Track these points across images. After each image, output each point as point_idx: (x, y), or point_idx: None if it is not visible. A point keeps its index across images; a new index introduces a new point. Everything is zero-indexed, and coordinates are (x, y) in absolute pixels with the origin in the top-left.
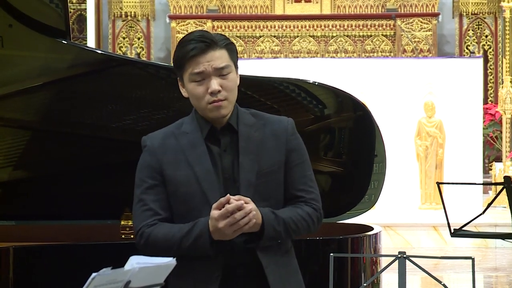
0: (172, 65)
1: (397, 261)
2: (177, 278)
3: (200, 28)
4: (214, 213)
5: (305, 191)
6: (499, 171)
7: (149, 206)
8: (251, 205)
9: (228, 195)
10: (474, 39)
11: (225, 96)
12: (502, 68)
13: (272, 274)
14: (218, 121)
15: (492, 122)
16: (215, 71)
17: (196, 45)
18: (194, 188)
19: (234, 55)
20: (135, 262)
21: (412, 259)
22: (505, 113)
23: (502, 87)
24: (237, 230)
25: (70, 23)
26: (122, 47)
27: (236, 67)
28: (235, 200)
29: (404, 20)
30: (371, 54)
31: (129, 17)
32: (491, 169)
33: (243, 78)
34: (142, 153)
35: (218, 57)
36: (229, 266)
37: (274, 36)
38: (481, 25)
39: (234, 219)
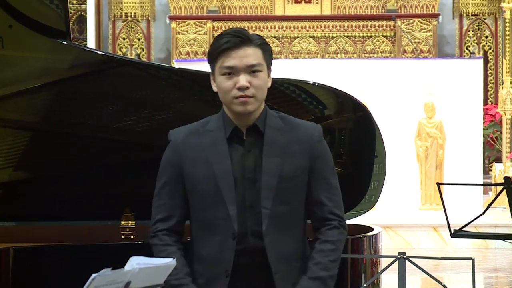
0: (207, 58)
1: (397, 261)
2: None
3: (200, 28)
4: None
5: (329, 199)
6: (499, 171)
7: (164, 201)
8: None
9: None
10: (474, 40)
11: (252, 93)
12: (502, 68)
13: (281, 281)
14: (244, 121)
15: (492, 122)
16: (245, 67)
17: (231, 39)
18: (210, 186)
19: (268, 56)
20: (135, 262)
21: (412, 259)
22: (505, 114)
23: (502, 87)
24: None
25: (70, 24)
26: (122, 47)
27: (269, 68)
28: None
29: (404, 20)
30: (371, 55)
31: (129, 18)
32: (491, 170)
33: None
34: (167, 147)
35: (251, 54)
36: (241, 268)
37: (274, 37)
38: (481, 25)
39: None
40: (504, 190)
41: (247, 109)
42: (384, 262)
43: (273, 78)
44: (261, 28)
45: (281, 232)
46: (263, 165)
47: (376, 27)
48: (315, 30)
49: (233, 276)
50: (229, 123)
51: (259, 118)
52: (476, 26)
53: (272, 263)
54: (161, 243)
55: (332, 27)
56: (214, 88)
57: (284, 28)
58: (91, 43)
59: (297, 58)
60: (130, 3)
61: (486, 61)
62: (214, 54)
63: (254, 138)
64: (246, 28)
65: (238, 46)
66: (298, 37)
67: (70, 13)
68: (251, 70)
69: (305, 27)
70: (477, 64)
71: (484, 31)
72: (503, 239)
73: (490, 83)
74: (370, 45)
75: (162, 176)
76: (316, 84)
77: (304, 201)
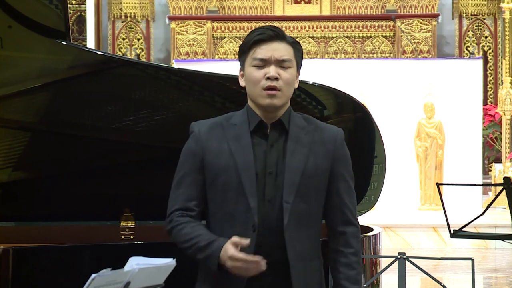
0: (238, 53)
1: (396, 262)
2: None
3: (200, 29)
4: (230, 249)
5: (350, 203)
6: (498, 172)
7: (184, 190)
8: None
9: (248, 241)
10: (474, 40)
11: (280, 86)
12: (501, 69)
13: (297, 277)
14: (269, 116)
15: (492, 123)
16: (276, 61)
17: (265, 31)
18: (232, 178)
19: (298, 55)
20: (134, 263)
21: (412, 260)
22: (504, 114)
23: (502, 88)
24: (242, 274)
25: (70, 24)
26: (121, 48)
27: (299, 69)
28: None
29: (404, 21)
30: (371, 55)
31: (128, 18)
32: (490, 170)
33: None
34: (188, 138)
35: (283, 49)
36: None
37: None
38: (480, 26)
39: (245, 267)
40: (504, 190)
41: (274, 102)
42: (384, 262)
43: None
44: None
45: (300, 230)
46: (286, 161)
47: (376, 28)
48: (315, 31)
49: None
50: (253, 117)
51: (284, 115)
52: (476, 26)
53: (291, 259)
54: (182, 220)
55: (332, 27)
56: (242, 83)
57: (284, 29)
58: (90, 43)
59: None
60: (129, 3)
61: (485, 62)
62: (247, 46)
63: (278, 134)
64: (245, 29)
65: (272, 39)
66: (297, 37)
67: (70, 13)
68: (282, 65)
69: (305, 28)
70: (477, 65)
71: (484, 31)
72: (502, 240)
73: (490, 84)
74: (369, 46)
75: (183, 167)
76: (316, 84)
77: (323, 203)
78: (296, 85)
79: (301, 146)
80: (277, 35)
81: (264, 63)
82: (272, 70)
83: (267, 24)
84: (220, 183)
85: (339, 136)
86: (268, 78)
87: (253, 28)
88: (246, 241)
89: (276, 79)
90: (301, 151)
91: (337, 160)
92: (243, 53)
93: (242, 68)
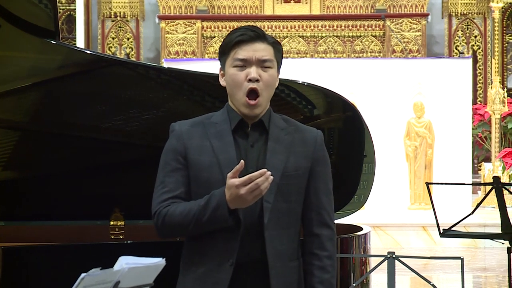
0: (218, 52)
1: (386, 261)
2: (189, 266)
3: (189, 28)
4: (234, 181)
5: (328, 204)
6: (488, 171)
7: (169, 188)
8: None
9: (242, 161)
10: (463, 40)
11: (261, 88)
12: (491, 68)
13: (275, 278)
14: (250, 117)
15: (481, 122)
16: (258, 61)
17: (246, 32)
18: (216, 175)
19: (279, 56)
20: (124, 262)
21: (401, 259)
22: (494, 114)
23: (491, 87)
24: (257, 195)
25: (60, 24)
26: (111, 47)
27: (279, 68)
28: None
29: (394, 20)
30: (361, 55)
31: (118, 18)
32: (480, 170)
33: None
34: (169, 138)
35: (264, 50)
36: (239, 261)
37: None
38: (470, 25)
39: (256, 185)
40: (493, 189)
41: (254, 112)
42: (373, 261)
43: None
44: None
45: (279, 229)
46: (267, 160)
47: (365, 27)
48: (305, 30)
49: (235, 269)
50: (234, 116)
51: (265, 116)
52: (465, 25)
53: (270, 258)
54: (171, 207)
55: (322, 26)
56: (222, 83)
57: (274, 28)
58: (80, 42)
59: (287, 57)
60: (119, 2)
61: (475, 61)
62: (227, 46)
63: (258, 134)
64: (235, 28)
65: (252, 40)
66: (287, 36)
67: (59, 12)
68: (263, 65)
69: (295, 27)
70: (466, 64)
71: (473, 30)
72: (492, 239)
73: (479, 83)
74: (359, 45)
75: (167, 165)
76: (306, 84)
77: (302, 203)
78: (276, 85)
79: (282, 146)
80: (258, 36)
81: (245, 63)
82: (253, 71)
83: (256, 23)
84: (203, 180)
85: (319, 137)
86: (249, 80)
87: None
88: (239, 165)
89: (257, 80)
90: (281, 151)
91: (316, 161)
92: (223, 54)
93: (223, 68)
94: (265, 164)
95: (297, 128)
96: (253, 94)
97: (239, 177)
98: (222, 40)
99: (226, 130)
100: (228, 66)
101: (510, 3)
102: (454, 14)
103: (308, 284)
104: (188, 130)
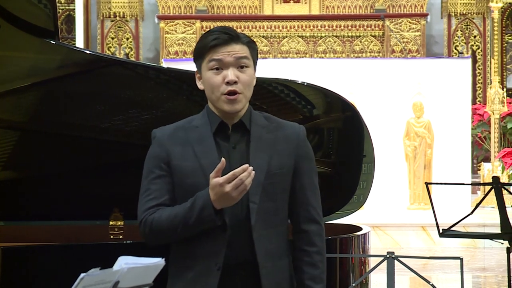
0: (193, 55)
1: (385, 261)
2: (177, 270)
3: (189, 28)
4: (218, 179)
5: (314, 199)
6: (487, 171)
7: (154, 195)
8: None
9: (223, 159)
10: (463, 40)
11: (240, 89)
12: (490, 68)
13: (266, 278)
14: (230, 118)
15: (481, 122)
16: (234, 60)
17: (219, 35)
18: (200, 179)
19: (254, 54)
20: (123, 262)
21: (401, 259)
22: (493, 114)
23: (491, 87)
24: (242, 191)
25: (59, 23)
26: (110, 47)
27: (255, 67)
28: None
29: (393, 20)
30: (360, 55)
31: (117, 17)
32: (479, 170)
33: None
34: (151, 145)
35: (239, 50)
36: (228, 264)
37: (263, 37)
38: (469, 25)
39: (240, 181)
40: (493, 189)
41: (235, 107)
42: (372, 261)
43: (261, 78)
44: (250, 28)
45: (268, 229)
46: (250, 160)
47: (365, 27)
48: (304, 30)
49: (223, 271)
50: (214, 119)
51: (245, 116)
52: (465, 25)
53: (260, 259)
54: (157, 213)
55: (321, 26)
56: (200, 86)
57: (273, 28)
58: (79, 42)
59: (286, 57)
60: (118, 2)
61: (474, 61)
62: (203, 50)
63: (240, 135)
64: (234, 28)
65: (227, 42)
66: (286, 36)
67: (59, 12)
68: (239, 64)
69: (294, 27)
70: (466, 64)
71: (473, 30)
72: (491, 239)
73: (479, 83)
74: (358, 45)
75: (150, 173)
76: (305, 84)
77: (287, 200)
78: (254, 83)
79: (264, 145)
80: (232, 38)
81: (222, 65)
82: (230, 74)
83: (255, 23)
84: (187, 185)
85: (301, 133)
86: (227, 83)
87: (242, 28)
88: (222, 161)
89: (235, 82)
90: (264, 150)
91: (300, 157)
92: (199, 57)
93: (199, 72)
94: (248, 164)
95: (279, 125)
96: (232, 94)
97: (222, 175)
98: None
99: (207, 133)
100: (205, 70)
101: (509, 3)
102: (453, 14)
103: (299, 281)
104: (170, 136)
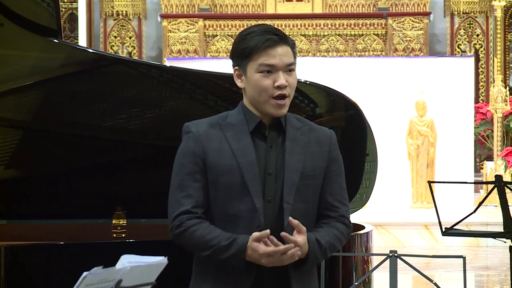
0: (231, 54)
1: (388, 260)
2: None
3: (192, 26)
4: (259, 247)
5: (341, 202)
6: (490, 170)
7: (189, 193)
8: (300, 240)
9: (268, 230)
10: (466, 38)
11: (289, 93)
12: (493, 67)
13: (296, 279)
14: (268, 118)
15: (484, 121)
16: (285, 66)
17: (271, 36)
18: (236, 178)
19: (295, 54)
20: (126, 261)
21: (404, 258)
22: (496, 112)
23: (493, 86)
24: (276, 264)
25: (62, 22)
26: (113, 46)
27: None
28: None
29: (396, 19)
30: (363, 53)
31: (120, 16)
32: (482, 168)
33: (231, 77)
34: (184, 139)
35: (288, 53)
36: (261, 267)
37: None
38: (472, 24)
39: (279, 260)
40: (495, 188)
41: (282, 112)
42: (375, 260)
43: None
44: None
45: None
46: (285, 161)
47: (368, 26)
48: (307, 29)
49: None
50: (252, 118)
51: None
52: (468, 24)
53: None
54: (192, 223)
55: (324, 25)
56: (240, 84)
57: (276, 27)
58: (82, 41)
59: None
60: (121, 1)
61: (477, 60)
62: (252, 50)
63: (276, 134)
64: (237, 27)
65: (278, 44)
66: (289, 35)
67: (61, 11)
68: (288, 69)
69: (297, 26)
70: (468, 63)
71: (475, 29)
72: (494, 237)
73: (481, 82)
74: (361, 44)
75: (184, 168)
76: (308, 83)
77: (317, 204)
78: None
79: (299, 146)
80: (281, 39)
81: (273, 69)
82: (281, 79)
83: (258, 22)
84: (223, 183)
85: (333, 137)
86: (278, 87)
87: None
88: (266, 232)
89: (286, 86)
90: (299, 151)
91: (332, 160)
92: (245, 57)
93: (244, 73)
94: (284, 165)
95: (311, 128)
96: (282, 98)
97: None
98: (224, 38)
99: (244, 132)
100: (252, 71)
101: None
102: (456, 12)
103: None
104: (206, 131)
